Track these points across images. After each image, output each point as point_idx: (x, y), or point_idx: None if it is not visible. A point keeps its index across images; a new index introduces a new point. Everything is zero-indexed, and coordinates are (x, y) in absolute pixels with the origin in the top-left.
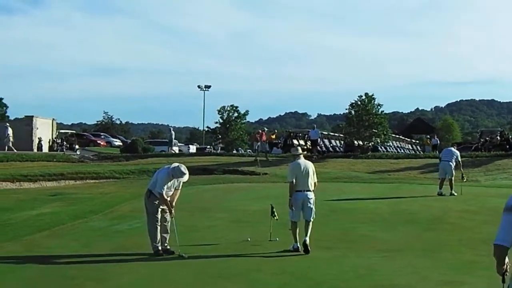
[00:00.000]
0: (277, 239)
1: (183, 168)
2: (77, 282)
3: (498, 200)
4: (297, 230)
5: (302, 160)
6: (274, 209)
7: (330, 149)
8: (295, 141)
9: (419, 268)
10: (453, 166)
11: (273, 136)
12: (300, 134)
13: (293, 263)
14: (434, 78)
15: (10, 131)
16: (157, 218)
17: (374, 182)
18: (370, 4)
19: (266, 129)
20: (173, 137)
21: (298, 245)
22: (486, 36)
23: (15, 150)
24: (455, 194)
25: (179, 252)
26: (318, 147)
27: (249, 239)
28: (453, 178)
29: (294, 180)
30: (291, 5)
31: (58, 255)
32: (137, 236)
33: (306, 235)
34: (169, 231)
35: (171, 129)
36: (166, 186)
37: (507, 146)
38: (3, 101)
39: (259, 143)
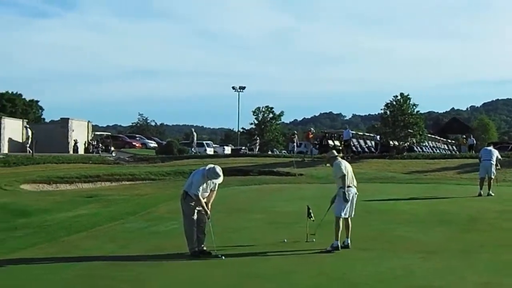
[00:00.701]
0: (314, 240)
1: (218, 169)
2: (114, 283)
3: None
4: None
5: (343, 160)
6: (311, 210)
7: (366, 149)
8: (330, 142)
9: (456, 269)
10: (494, 166)
11: (311, 136)
12: (335, 135)
13: (329, 264)
14: (470, 77)
15: (29, 132)
16: (194, 219)
17: (410, 182)
18: (407, 5)
19: (312, 129)
20: (195, 138)
21: (339, 243)
22: None
23: (30, 152)
24: (493, 194)
25: (215, 252)
26: (353, 147)
27: (285, 240)
28: (493, 178)
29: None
30: (327, 7)
31: (95, 256)
32: (174, 238)
33: (348, 237)
34: (205, 233)
35: (193, 130)
36: (201, 187)
37: None
38: (39, 103)
39: (294, 144)
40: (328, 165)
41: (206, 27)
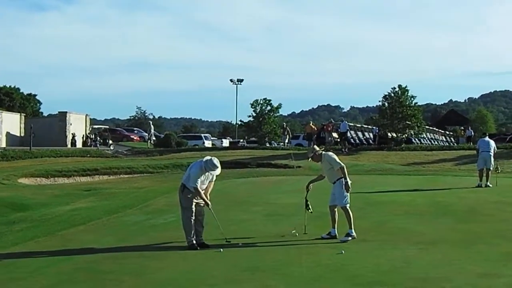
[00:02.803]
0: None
1: (216, 161)
2: (113, 277)
3: None
4: None
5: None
6: (309, 202)
7: (364, 141)
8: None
9: (455, 260)
10: (492, 157)
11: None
12: (333, 127)
13: (328, 256)
14: (468, 69)
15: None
16: (192, 211)
17: (408, 174)
18: None
19: (333, 121)
20: (152, 130)
21: (353, 232)
22: None
23: None
24: (490, 186)
25: (225, 238)
26: (351, 139)
27: (294, 231)
28: (491, 169)
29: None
30: None
31: (93, 249)
32: (173, 230)
33: (335, 227)
34: (204, 225)
35: (151, 122)
36: (199, 180)
37: None
38: (37, 97)
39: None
40: (310, 159)
41: (204, 20)
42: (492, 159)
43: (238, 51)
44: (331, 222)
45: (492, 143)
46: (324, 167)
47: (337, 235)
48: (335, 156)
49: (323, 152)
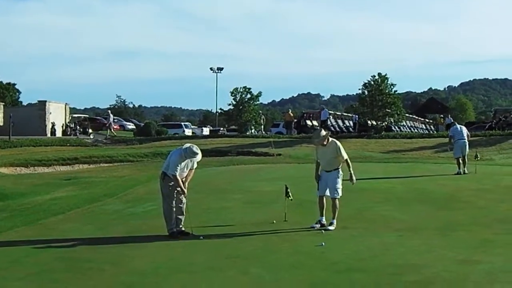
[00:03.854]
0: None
1: (195, 148)
2: (93, 265)
3: None
4: None
5: None
6: (289, 190)
7: (344, 129)
8: (308, 122)
9: (434, 247)
10: (468, 144)
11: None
12: (313, 115)
13: (308, 243)
14: (447, 57)
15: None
16: (173, 200)
17: (388, 161)
18: None
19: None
20: (111, 119)
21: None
22: (500, 15)
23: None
24: (468, 172)
25: (192, 231)
26: (332, 127)
27: (274, 221)
28: (466, 155)
29: None
30: None
31: (73, 238)
32: (153, 219)
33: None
34: (184, 213)
35: (110, 111)
36: (179, 167)
37: None
38: (16, 86)
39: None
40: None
41: (183, 8)
42: (467, 145)
43: (218, 40)
44: (319, 211)
45: (465, 130)
46: (326, 152)
47: (325, 223)
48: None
49: (331, 139)
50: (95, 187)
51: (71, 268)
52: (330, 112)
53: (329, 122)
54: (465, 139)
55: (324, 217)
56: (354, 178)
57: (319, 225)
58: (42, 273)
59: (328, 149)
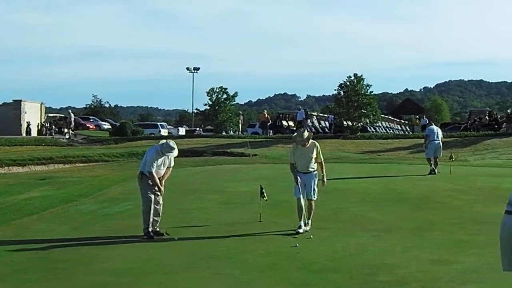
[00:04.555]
0: (297, 244)
1: (172, 142)
2: (67, 266)
3: (487, 179)
4: None
5: None
6: (264, 190)
7: (320, 130)
8: (284, 122)
9: (409, 247)
10: (441, 145)
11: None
12: (289, 115)
13: (283, 244)
14: (423, 59)
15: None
16: (151, 199)
17: (363, 162)
18: None
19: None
20: (73, 119)
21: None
22: (475, 17)
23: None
24: (439, 173)
25: (167, 231)
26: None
27: (297, 245)
28: (439, 157)
29: None
30: None
31: (47, 239)
32: (128, 219)
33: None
34: (160, 214)
35: (70, 111)
36: (156, 164)
37: (496, 126)
38: None
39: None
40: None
41: (160, 8)
42: (441, 147)
43: (195, 40)
44: (299, 214)
45: (440, 131)
46: (305, 153)
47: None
48: None
49: (310, 140)
50: (70, 187)
51: (45, 268)
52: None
53: (309, 123)
54: (439, 140)
55: (302, 221)
56: (325, 180)
57: (302, 230)
58: (16, 273)
59: (308, 150)
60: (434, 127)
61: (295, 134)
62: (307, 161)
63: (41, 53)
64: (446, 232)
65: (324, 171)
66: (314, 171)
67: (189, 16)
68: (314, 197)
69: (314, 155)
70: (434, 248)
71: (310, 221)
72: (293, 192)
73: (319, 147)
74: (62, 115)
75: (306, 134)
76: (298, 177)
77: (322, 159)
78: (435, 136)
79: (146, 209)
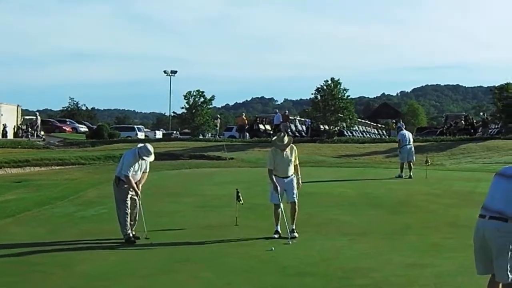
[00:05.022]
0: (273, 248)
1: (150, 146)
2: (43, 269)
3: (463, 183)
4: None
5: None
6: (240, 194)
7: (297, 133)
8: (261, 126)
9: (384, 251)
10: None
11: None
12: (266, 119)
13: (259, 247)
14: (400, 63)
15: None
16: (127, 204)
17: (340, 166)
18: None
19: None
20: (39, 122)
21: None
22: (451, 21)
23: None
24: (413, 177)
25: (146, 235)
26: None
27: (273, 248)
28: (413, 161)
29: None
30: None
31: (23, 242)
32: (104, 222)
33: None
34: (137, 219)
35: (37, 114)
36: (133, 168)
37: (472, 131)
38: None
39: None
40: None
41: (138, 10)
42: (414, 151)
43: (172, 43)
44: (276, 220)
45: (411, 135)
46: (285, 158)
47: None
48: None
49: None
50: (46, 190)
51: (19, 271)
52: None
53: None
54: (411, 145)
55: (279, 226)
56: (300, 183)
57: (278, 235)
58: None
59: (287, 154)
60: (405, 132)
61: (275, 138)
62: (287, 166)
63: (17, 55)
64: (422, 235)
65: (299, 173)
66: (292, 175)
67: (167, 19)
68: (296, 198)
69: (293, 159)
70: (410, 252)
71: (294, 226)
72: (269, 198)
73: (296, 150)
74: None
75: (286, 138)
76: (278, 185)
77: (298, 162)
78: (407, 141)
79: (122, 214)
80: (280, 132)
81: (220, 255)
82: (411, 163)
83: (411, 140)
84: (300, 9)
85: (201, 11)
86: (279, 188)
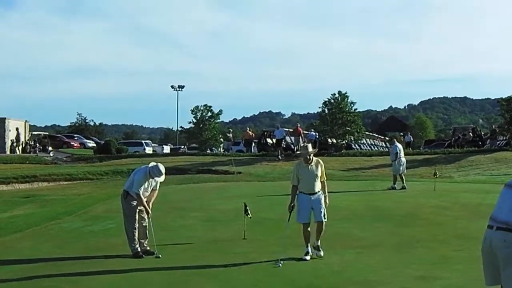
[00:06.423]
0: (280, 265)
1: (161, 167)
2: (51, 284)
3: (471, 195)
4: None
5: None
6: (248, 208)
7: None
8: (269, 140)
9: (392, 264)
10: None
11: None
12: (273, 133)
13: (267, 261)
14: (407, 76)
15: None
16: (135, 219)
17: (348, 179)
18: (345, 5)
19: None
20: (21, 136)
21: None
22: (458, 34)
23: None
24: (406, 189)
25: (156, 252)
26: (292, 145)
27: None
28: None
29: None
30: (266, 5)
31: (31, 257)
32: (111, 237)
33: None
34: (147, 235)
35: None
36: (143, 186)
37: (480, 143)
38: None
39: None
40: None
41: (145, 26)
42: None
43: (179, 57)
44: (305, 241)
45: (402, 148)
46: (310, 172)
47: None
48: None
49: (314, 157)
50: (54, 205)
51: (28, 286)
52: (286, 130)
53: (289, 140)
54: (404, 157)
55: (310, 247)
56: (327, 201)
57: (309, 257)
58: None
59: (312, 168)
60: (399, 144)
61: (300, 149)
62: (313, 181)
63: (26, 71)
64: (430, 248)
65: (326, 191)
66: (319, 192)
67: (175, 33)
68: (324, 219)
69: (319, 174)
70: (418, 264)
71: (319, 242)
72: (296, 217)
73: (323, 165)
74: (47, 133)
75: (310, 147)
76: (301, 200)
77: (325, 178)
78: (402, 153)
79: (130, 229)
80: (304, 142)
81: (227, 269)
82: (403, 174)
83: (403, 153)
84: (306, 22)
85: (207, 24)
86: (303, 204)
